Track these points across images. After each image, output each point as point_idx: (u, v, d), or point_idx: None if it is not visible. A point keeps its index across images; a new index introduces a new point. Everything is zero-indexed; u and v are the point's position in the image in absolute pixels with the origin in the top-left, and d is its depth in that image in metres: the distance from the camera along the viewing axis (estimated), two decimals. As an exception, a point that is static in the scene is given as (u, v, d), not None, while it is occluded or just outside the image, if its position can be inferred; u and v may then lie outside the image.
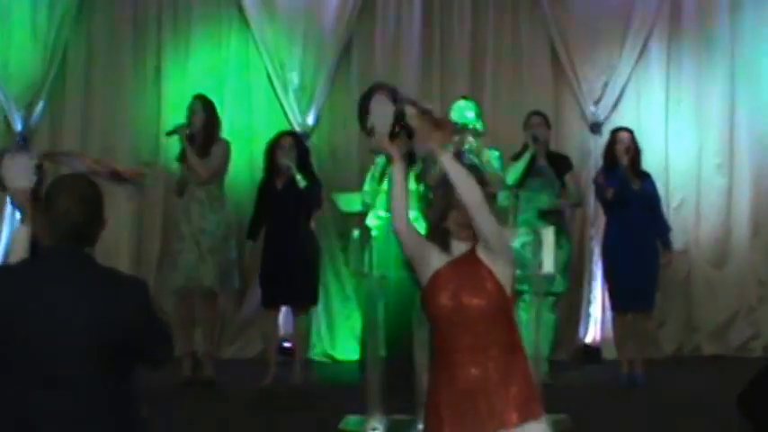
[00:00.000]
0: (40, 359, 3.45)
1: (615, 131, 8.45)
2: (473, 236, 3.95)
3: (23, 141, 9.29)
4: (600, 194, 8.42)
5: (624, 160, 8.18)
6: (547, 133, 8.39)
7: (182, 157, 8.26)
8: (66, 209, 3.56)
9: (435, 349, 4.03)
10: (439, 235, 4.01)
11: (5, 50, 9.33)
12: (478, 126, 7.87)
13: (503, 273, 3.93)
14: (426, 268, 4.00)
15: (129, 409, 3.60)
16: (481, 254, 3.94)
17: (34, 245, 4.15)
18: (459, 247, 4.00)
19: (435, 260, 3.99)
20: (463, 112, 7.87)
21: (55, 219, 3.58)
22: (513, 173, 8.01)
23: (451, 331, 3.93)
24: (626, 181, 8.13)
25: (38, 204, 4.28)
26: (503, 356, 3.91)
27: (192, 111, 8.28)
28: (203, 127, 8.24)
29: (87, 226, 3.58)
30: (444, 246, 4.01)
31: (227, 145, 8.39)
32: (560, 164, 8.40)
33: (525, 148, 8.18)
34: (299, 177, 7.99)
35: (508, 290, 3.95)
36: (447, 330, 3.95)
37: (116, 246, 9.21)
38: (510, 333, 3.97)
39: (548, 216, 8.00)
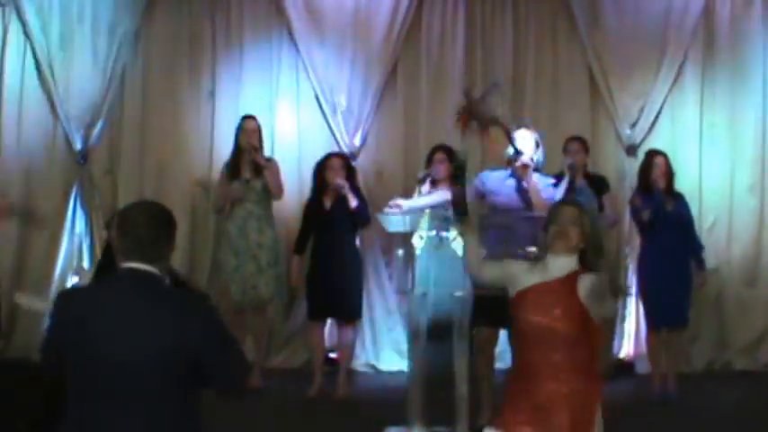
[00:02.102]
0: (110, 376, 3.56)
1: (650, 154, 8.56)
2: (566, 248, 4.30)
3: (83, 160, 9.63)
4: (636, 216, 8.55)
5: (661, 184, 8.32)
6: (585, 157, 8.55)
7: (236, 174, 8.44)
8: (133, 225, 3.70)
9: (517, 361, 4.37)
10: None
11: (67, 73, 9.61)
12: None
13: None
14: (517, 286, 4.35)
15: (196, 424, 3.72)
16: (581, 286, 4.26)
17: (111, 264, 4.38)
18: (554, 263, 4.33)
19: (525, 278, 4.33)
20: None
21: (123, 235, 3.72)
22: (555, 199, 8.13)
23: (537, 347, 4.24)
24: (662, 203, 8.31)
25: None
26: (580, 381, 4.23)
27: (249, 130, 8.47)
28: (259, 146, 8.49)
29: (153, 243, 3.69)
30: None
31: (277, 163, 8.66)
32: (599, 185, 8.56)
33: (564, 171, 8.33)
34: (350, 197, 8.24)
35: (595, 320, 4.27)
36: (533, 345, 4.26)
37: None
38: (590, 361, 4.30)
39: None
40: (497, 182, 7.45)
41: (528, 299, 4.30)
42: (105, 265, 6.54)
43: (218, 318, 3.73)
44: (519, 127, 7.90)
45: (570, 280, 4.28)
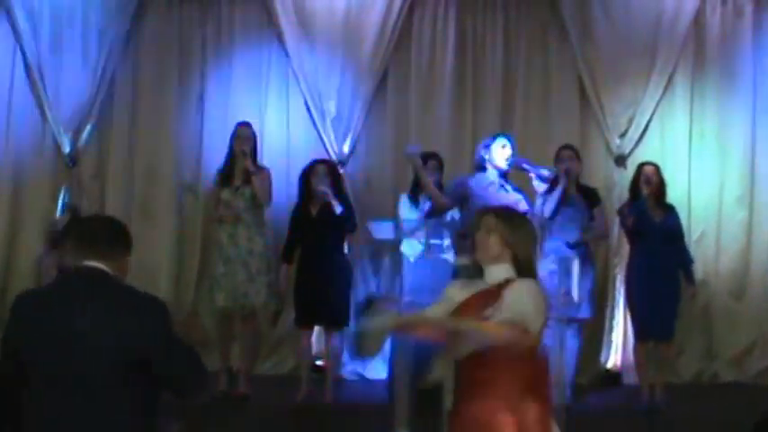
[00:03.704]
0: (65, 375, 3.67)
1: (641, 165, 8.59)
2: (489, 257, 4.10)
3: (72, 164, 9.63)
4: (623, 223, 8.57)
5: (645, 190, 8.32)
6: (577, 166, 8.55)
7: (226, 183, 8.44)
8: (88, 226, 3.95)
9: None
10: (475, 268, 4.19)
11: (57, 76, 9.61)
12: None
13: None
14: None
15: (152, 423, 3.81)
16: (507, 293, 4.03)
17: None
18: (488, 274, 4.13)
19: (458, 296, 4.14)
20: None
21: (78, 234, 3.91)
22: (549, 206, 8.14)
23: (464, 364, 4.06)
24: (646, 212, 8.30)
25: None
26: (515, 396, 4.01)
27: (243, 137, 8.46)
28: (252, 153, 8.48)
29: (107, 243, 3.85)
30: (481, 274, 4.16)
31: (269, 171, 8.65)
32: (590, 197, 8.56)
33: (556, 180, 8.28)
34: (335, 203, 8.21)
35: (530, 333, 3.96)
36: (461, 363, 4.08)
37: (157, 266, 9.51)
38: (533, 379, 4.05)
39: (575, 245, 8.15)
40: (481, 187, 7.50)
41: (458, 315, 4.08)
42: None
43: (168, 319, 3.81)
44: (496, 136, 7.90)
45: (499, 288, 4.06)
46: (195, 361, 3.89)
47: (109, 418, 3.68)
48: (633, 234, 8.46)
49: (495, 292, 4.05)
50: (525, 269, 4.13)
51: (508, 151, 7.66)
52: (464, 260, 6.60)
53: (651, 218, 8.32)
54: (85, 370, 3.65)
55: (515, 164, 7.68)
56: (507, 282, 4.09)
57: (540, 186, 7.52)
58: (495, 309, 3.99)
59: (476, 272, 4.19)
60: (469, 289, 4.16)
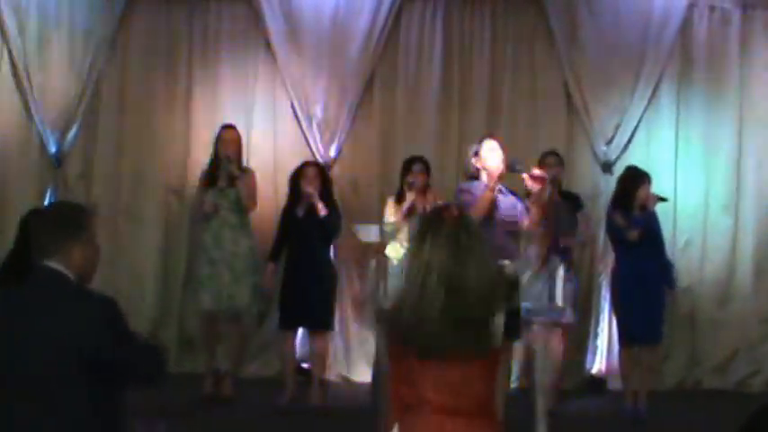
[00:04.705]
0: (13, 379, 3.61)
1: (641, 175, 8.46)
2: None
3: (57, 164, 9.62)
4: (617, 232, 8.39)
5: (652, 206, 8.34)
6: (561, 172, 8.59)
7: (211, 184, 8.42)
8: (32, 224, 3.88)
9: None
10: None
11: (43, 76, 9.58)
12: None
13: None
14: None
15: (110, 424, 3.73)
16: None
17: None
18: None
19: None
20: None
21: (31, 233, 3.85)
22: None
23: None
24: (647, 224, 8.28)
25: None
26: None
27: (228, 140, 8.46)
28: (237, 156, 8.48)
29: (51, 240, 3.73)
30: None
31: (255, 174, 8.65)
32: (573, 202, 8.59)
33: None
34: (320, 206, 8.21)
35: None
36: None
37: (143, 267, 9.51)
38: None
39: (558, 251, 8.09)
40: (480, 191, 7.40)
41: None
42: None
43: (118, 316, 3.73)
44: (483, 138, 7.80)
45: None
46: (152, 353, 3.85)
47: (59, 424, 3.61)
48: (627, 243, 8.38)
49: None
50: None
51: (500, 152, 7.54)
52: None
53: (650, 228, 8.32)
54: (31, 377, 3.60)
55: (510, 165, 7.59)
56: None
57: (535, 187, 7.46)
58: None
59: None
60: None
